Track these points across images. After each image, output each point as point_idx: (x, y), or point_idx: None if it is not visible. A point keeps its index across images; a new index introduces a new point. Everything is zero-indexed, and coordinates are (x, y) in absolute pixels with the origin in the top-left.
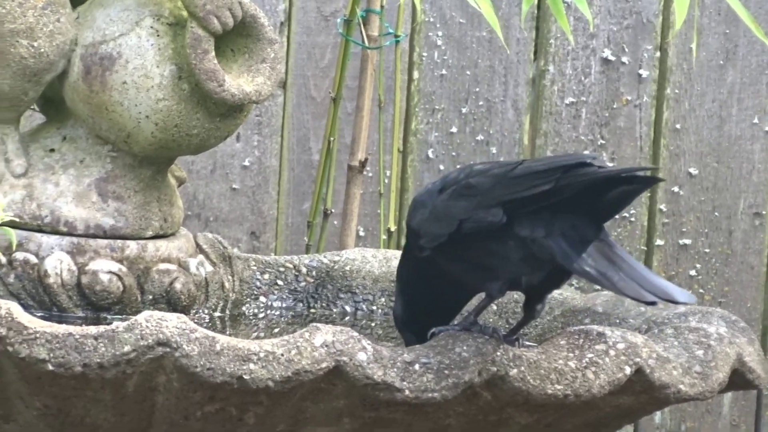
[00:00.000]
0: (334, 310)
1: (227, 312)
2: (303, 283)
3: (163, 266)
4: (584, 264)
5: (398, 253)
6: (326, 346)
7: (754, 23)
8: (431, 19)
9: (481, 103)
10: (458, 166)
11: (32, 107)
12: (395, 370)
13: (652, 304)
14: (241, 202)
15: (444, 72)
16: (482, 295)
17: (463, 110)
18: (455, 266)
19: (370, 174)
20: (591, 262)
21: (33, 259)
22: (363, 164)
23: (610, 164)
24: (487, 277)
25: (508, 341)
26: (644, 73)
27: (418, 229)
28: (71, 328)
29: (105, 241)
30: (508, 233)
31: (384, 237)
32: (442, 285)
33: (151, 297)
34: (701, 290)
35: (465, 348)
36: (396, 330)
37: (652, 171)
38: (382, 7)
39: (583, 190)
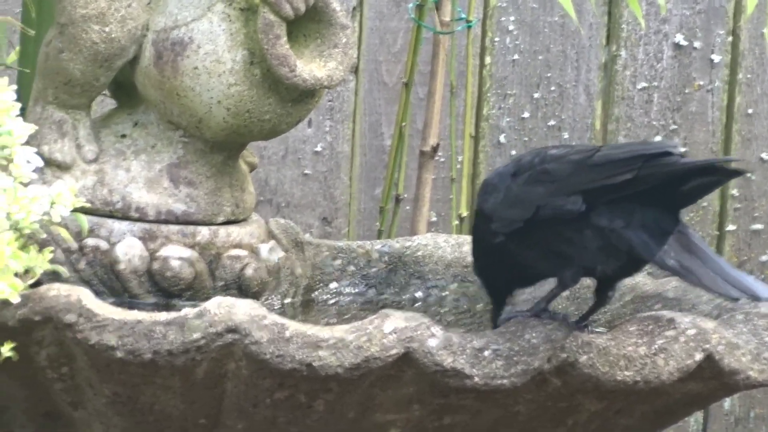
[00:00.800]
0: (405, 296)
1: (298, 298)
2: (375, 269)
3: (234, 252)
4: (666, 257)
5: (470, 239)
6: (396, 332)
7: None
8: (503, 4)
9: (553, 88)
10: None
11: (104, 93)
12: (465, 356)
13: (736, 300)
14: (313, 187)
15: (516, 57)
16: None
17: (535, 95)
18: (529, 253)
19: (442, 159)
20: (673, 254)
21: (104, 245)
22: (435, 149)
23: (685, 150)
24: (562, 264)
25: (578, 328)
26: (716, 58)
27: (491, 214)
28: (141, 315)
29: (176, 227)
30: (585, 222)
31: (456, 222)
32: (515, 269)
33: (222, 283)
34: None
35: (534, 335)
36: (467, 315)
37: (736, 162)
38: None
39: (665, 180)
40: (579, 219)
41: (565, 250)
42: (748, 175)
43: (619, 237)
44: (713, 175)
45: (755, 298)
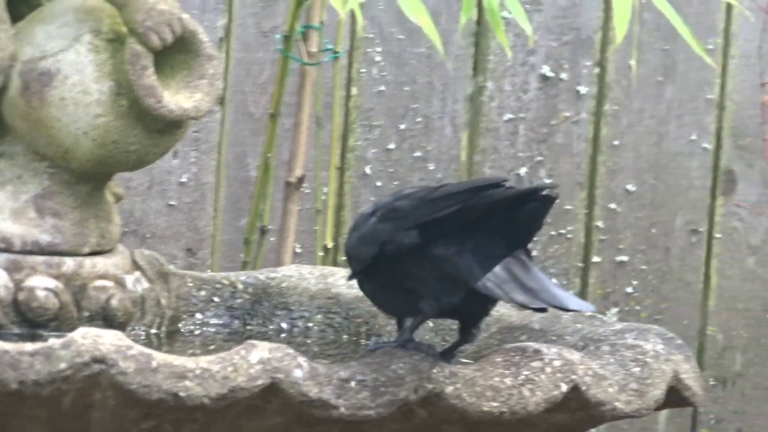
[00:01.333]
0: (270, 327)
1: (163, 329)
2: (239, 300)
3: (99, 283)
4: (486, 280)
5: (335, 270)
6: (262, 363)
7: (694, 39)
8: (370, 35)
9: (419, 119)
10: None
11: None
12: (331, 387)
13: (541, 310)
14: (178, 218)
15: (382, 88)
16: None
17: (401, 126)
18: (383, 291)
19: (308, 190)
20: (492, 277)
21: None
22: (300, 180)
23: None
24: (412, 300)
25: (444, 358)
26: (583, 89)
27: (350, 253)
28: (6, 345)
29: (42, 258)
30: (425, 254)
31: (321, 254)
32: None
33: (87, 314)
34: (638, 307)
35: (401, 365)
36: (333, 346)
37: (549, 188)
38: (321, 22)
39: (491, 210)
40: (419, 251)
41: (410, 284)
42: (613, 206)
43: (450, 263)
44: (532, 201)
45: (564, 308)
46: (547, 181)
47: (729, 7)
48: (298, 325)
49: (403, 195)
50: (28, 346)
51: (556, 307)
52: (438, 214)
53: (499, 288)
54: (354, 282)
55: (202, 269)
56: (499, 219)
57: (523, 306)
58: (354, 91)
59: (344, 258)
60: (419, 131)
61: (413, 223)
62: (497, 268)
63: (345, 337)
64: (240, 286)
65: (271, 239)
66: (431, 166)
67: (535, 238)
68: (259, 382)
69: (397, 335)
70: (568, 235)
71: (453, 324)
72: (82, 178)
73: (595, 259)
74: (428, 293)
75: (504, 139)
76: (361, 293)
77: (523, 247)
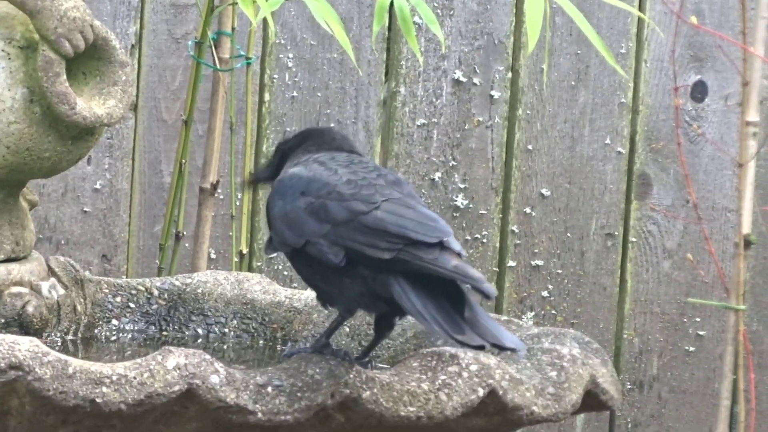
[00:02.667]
0: (187, 332)
1: (79, 335)
2: (155, 306)
3: (15, 289)
4: (418, 304)
5: (250, 275)
6: (179, 368)
7: (606, 49)
8: (282, 41)
9: (332, 124)
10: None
11: None
12: (248, 392)
13: (480, 348)
14: (93, 225)
15: (295, 94)
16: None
17: None
18: (300, 274)
19: (222, 196)
20: (430, 308)
21: None
22: (215, 187)
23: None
24: (329, 299)
25: (361, 363)
26: (496, 94)
27: (271, 222)
28: None
29: None
30: (349, 270)
31: (236, 259)
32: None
33: (3, 320)
34: (553, 311)
35: (318, 370)
36: (250, 351)
37: (487, 286)
38: (233, 29)
39: (414, 271)
40: (343, 267)
41: (330, 290)
42: (527, 210)
43: (380, 284)
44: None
45: (501, 347)
46: (462, 186)
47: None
48: (214, 330)
49: (337, 193)
50: None
51: (493, 345)
52: (368, 252)
53: (439, 324)
54: (270, 287)
55: (117, 275)
56: None
57: (462, 344)
58: (267, 96)
59: (259, 263)
60: None
61: (342, 243)
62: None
63: (261, 342)
64: (155, 292)
65: (186, 245)
66: None
67: None
68: (176, 387)
69: (313, 341)
70: (483, 240)
71: (369, 329)
72: None
73: (511, 263)
74: (345, 301)
75: (418, 144)
76: (276, 299)
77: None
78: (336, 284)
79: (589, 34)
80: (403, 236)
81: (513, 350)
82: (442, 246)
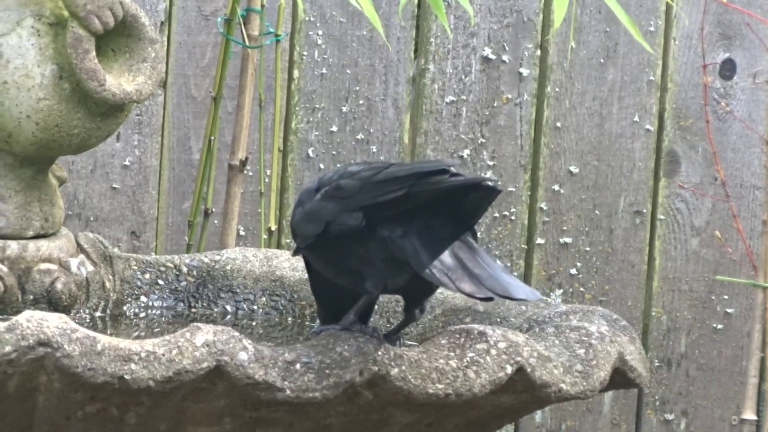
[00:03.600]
0: (215, 309)
1: (108, 312)
2: (184, 283)
3: (44, 266)
4: (432, 267)
5: (279, 252)
6: (207, 345)
7: (634, 26)
8: (311, 18)
9: (361, 101)
10: (338, 165)
11: None
12: (276, 369)
13: (489, 299)
14: (122, 201)
15: (324, 71)
16: None
17: (344, 109)
18: (327, 269)
19: (251, 173)
20: (439, 263)
21: None
22: (243, 163)
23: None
24: (356, 280)
25: (389, 341)
26: (525, 71)
27: (295, 228)
28: None
29: None
30: (371, 235)
31: (264, 236)
32: (326, 284)
33: (32, 297)
34: (582, 289)
35: (346, 347)
36: (278, 328)
37: (493, 182)
38: (262, 6)
39: (435, 197)
40: (365, 233)
41: (356, 265)
42: (556, 187)
43: (397, 246)
44: (476, 191)
45: (510, 297)
46: (490, 163)
47: None
48: (242, 307)
49: (347, 173)
50: None
51: (502, 296)
52: (382, 198)
53: (446, 276)
54: (298, 264)
55: (146, 252)
56: (444, 203)
57: (469, 296)
58: (296, 74)
59: (288, 240)
60: (362, 114)
61: (358, 205)
62: (444, 254)
63: (290, 319)
64: (184, 269)
65: (215, 222)
66: (374, 149)
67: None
68: (204, 364)
69: (342, 318)
70: (512, 217)
71: (397, 306)
72: (26, 162)
73: (539, 240)
74: (373, 274)
75: (446, 121)
76: (305, 275)
77: (469, 229)
78: (362, 257)
79: (616, 10)
80: (412, 173)
81: (524, 300)
82: (450, 174)
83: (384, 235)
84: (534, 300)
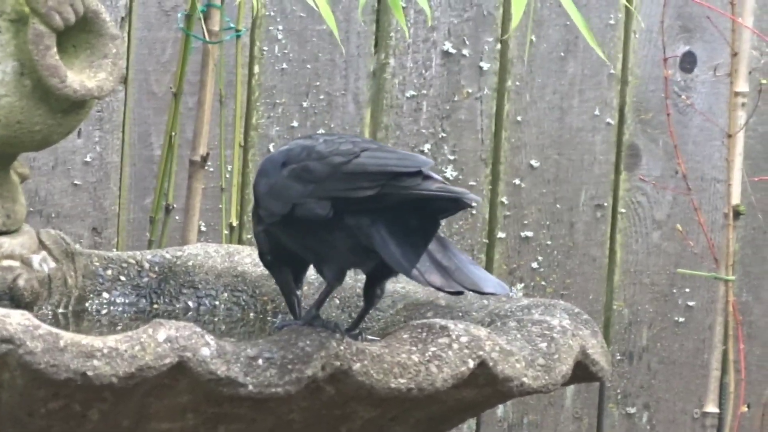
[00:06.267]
0: (177, 305)
1: (70, 308)
2: (146, 279)
3: (6, 263)
4: (399, 254)
5: (240, 248)
6: (169, 341)
7: (587, 29)
8: (272, 13)
9: (321, 96)
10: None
11: None
12: (239, 365)
13: (458, 293)
14: (83, 198)
15: (285, 66)
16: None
17: (304, 104)
18: (292, 243)
19: (212, 169)
20: (407, 253)
21: None
22: (204, 159)
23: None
24: (320, 261)
25: (351, 335)
26: (485, 65)
27: (259, 200)
28: None
29: None
30: (337, 223)
31: (226, 232)
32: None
33: None
34: (543, 282)
35: (308, 342)
36: (240, 324)
37: (469, 198)
38: (222, 1)
39: (406, 202)
40: (331, 220)
41: (321, 249)
42: (517, 181)
43: (364, 235)
44: (449, 201)
45: (479, 291)
46: (451, 157)
47: None
48: (204, 303)
49: (316, 152)
50: None
51: (471, 290)
52: (352, 194)
53: (415, 268)
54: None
55: (107, 248)
56: (412, 203)
57: (439, 289)
58: (256, 69)
59: (249, 236)
60: (322, 109)
61: (327, 195)
62: (411, 243)
63: (252, 315)
64: (146, 265)
65: (177, 218)
66: None
67: None
68: (167, 360)
69: (304, 313)
70: (473, 211)
71: (359, 301)
72: None
73: (500, 234)
74: (336, 260)
75: (407, 115)
76: (267, 272)
77: (438, 225)
78: (327, 242)
79: (571, 12)
80: (384, 172)
81: (492, 294)
82: (423, 176)
83: (351, 223)
84: (502, 294)
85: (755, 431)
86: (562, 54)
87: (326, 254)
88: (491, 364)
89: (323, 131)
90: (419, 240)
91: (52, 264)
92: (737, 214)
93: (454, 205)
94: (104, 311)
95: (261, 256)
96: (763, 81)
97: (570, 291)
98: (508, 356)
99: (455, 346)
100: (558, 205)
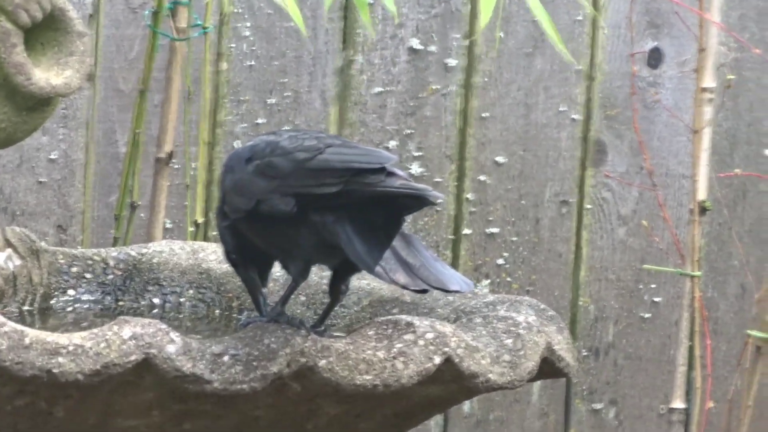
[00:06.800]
0: (142, 302)
1: (36, 305)
2: (111, 276)
3: None
4: (363, 251)
5: (205, 245)
6: (135, 338)
7: (553, 27)
8: (239, 10)
9: (287, 93)
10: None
11: None
12: (204, 362)
13: (423, 292)
14: (48, 195)
15: (252, 63)
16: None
17: (270, 101)
18: (257, 240)
19: (177, 166)
20: (372, 250)
21: None
22: (170, 156)
23: (402, 173)
24: (286, 257)
25: (316, 332)
26: (452, 62)
27: (224, 195)
28: None
29: None
30: (302, 219)
31: (191, 229)
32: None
33: None
34: (509, 279)
35: (273, 339)
36: (205, 321)
37: (433, 195)
38: None
39: (369, 198)
40: (296, 216)
41: (285, 245)
42: (482, 178)
43: (329, 231)
44: (410, 198)
45: (445, 290)
46: (417, 154)
47: None
48: (169, 300)
49: (280, 148)
50: None
51: (436, 288)
52: (316, 190)
53: (380, 266)
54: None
55: (72, 246)
56: (377, 199)
57: (403, 288)
58: (223, 66)
59: (215, 233)
60: (288, 105)
61: (291, 191)
62: (377, 239)
63: (217, 311)
64: (111, 263)
65: (142, 215)
66: None
67: None
68: (132, 357)
69: (269, 310)
70: (438, 208)
71: (325, 298)
72: None
73: (466, 231)
74: (300, 256)
75: (372, 112)
76: (231, 269)
77: (402, 222)
78: (292, 238)
79: (538, 12)
80: (348, 168)
81: (457, 292)
82: (387, 173)
83: (316, 220)
84: (467, 291)
85: (722, 427)
86: (530, 50)
87: (291, 250)
88: (457, 360)
89: (289, 128)
90: (383, 237)
91: (18, 261)
92: (703, 209)
93: (417, 202)
94: (69, 308)
95: (226, 253)
96: (730, 76)
97: (536, 287)
98: (473, 352)
99: (421, 342)
100: (523, 201)
